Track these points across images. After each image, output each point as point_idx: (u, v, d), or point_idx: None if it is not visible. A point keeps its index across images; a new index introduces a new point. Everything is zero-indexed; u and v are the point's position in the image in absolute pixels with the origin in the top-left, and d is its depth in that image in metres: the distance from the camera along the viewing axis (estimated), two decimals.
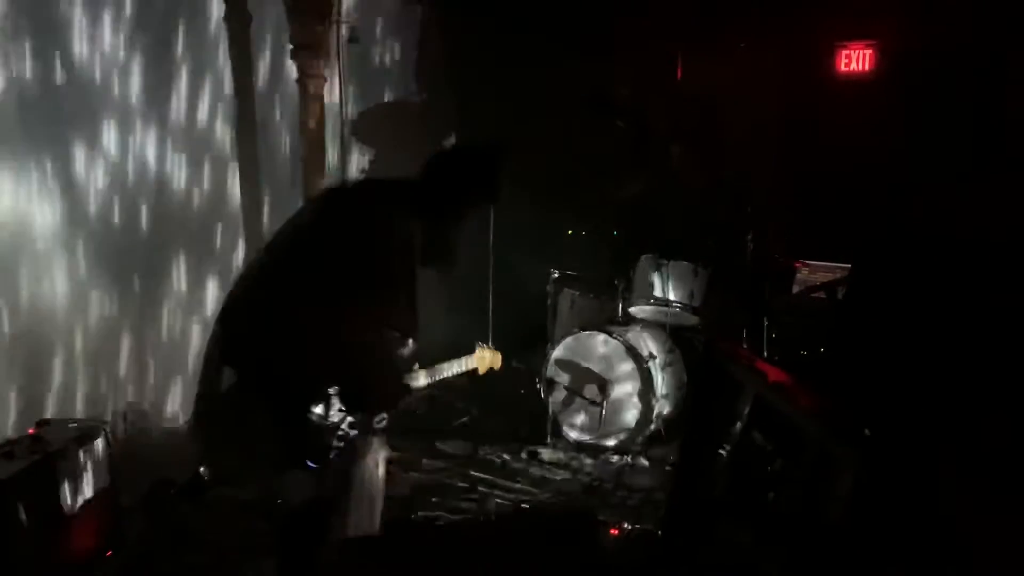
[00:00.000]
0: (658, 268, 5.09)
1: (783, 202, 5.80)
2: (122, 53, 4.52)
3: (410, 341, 2.77)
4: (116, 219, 4.53)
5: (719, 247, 5.20)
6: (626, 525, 3.92)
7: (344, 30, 5.72)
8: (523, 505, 4.22)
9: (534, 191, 5.19)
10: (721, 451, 2.42)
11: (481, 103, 6.17)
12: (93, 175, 4.42)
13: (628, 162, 5.73)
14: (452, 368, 3.27)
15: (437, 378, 3.16)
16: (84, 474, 3.31)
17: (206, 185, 5.07)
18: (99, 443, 3.42)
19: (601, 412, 4.86)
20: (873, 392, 4.36)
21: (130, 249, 4.65)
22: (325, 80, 5.46)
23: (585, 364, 4.90)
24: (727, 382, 2.48)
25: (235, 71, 5.15)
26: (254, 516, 4.01)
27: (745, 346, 4.84)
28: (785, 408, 2.11)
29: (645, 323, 5.22)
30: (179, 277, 4.97)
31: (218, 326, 2.84)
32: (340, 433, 2.68)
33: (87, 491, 3.31)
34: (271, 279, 2.74)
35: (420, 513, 4.09)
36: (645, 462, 4.79)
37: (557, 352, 4.99)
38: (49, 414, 3.86)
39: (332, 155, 5.76)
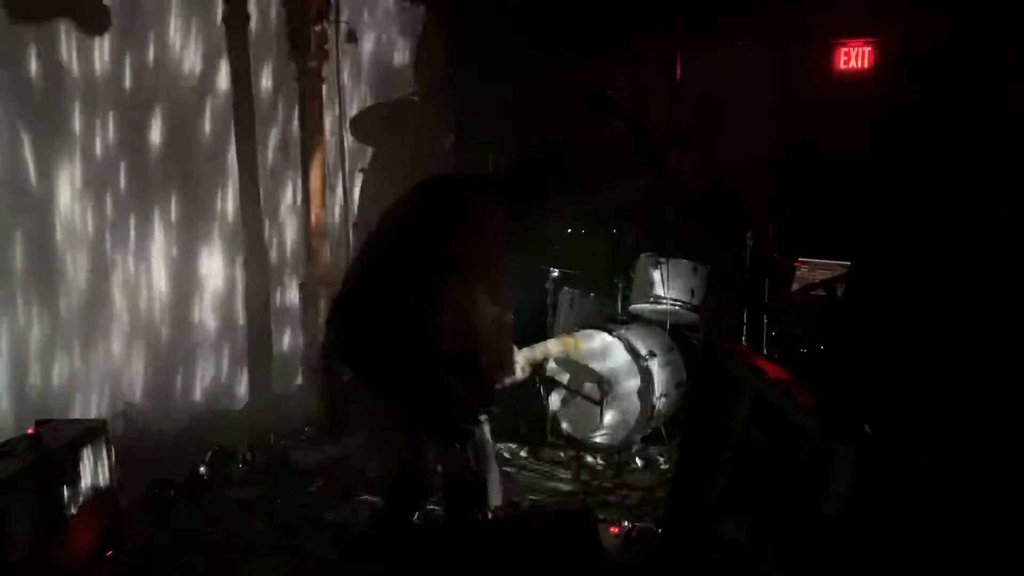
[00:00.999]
0: (657, 267, 5.09)
1: (782, 200, 5.79)
2: (118, 51, 4.53)
3: (510, 315, 2.94)
4: (110, 214, 4.54)
5: (718, 245, 5.19)
6: (626, 523, 3.91)
7: (343, 29, 5.72)
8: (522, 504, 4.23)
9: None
10: (721, 449, 2.42)
11: (480, 103, 6.17)
12: (90, 173, 4.43)
13: (627, 162, 5.73)
14: (546, 347, 3.59)
15: (537, 355, 3.44)
16: (83, 474, 3.31)
17: (204, 182, 5.07)
18: (98, 443, 3.42)
19: (601, 410, 4.85)
20: (871, 389, 4.38)
21: (129, 248, 4.66)
22: (324, 79, 5.46)
23: (584, 362, 4.89)
24: (726, 380, 2.49)
25: (234, 70, 5.15)
26: (253, 516, 4.03)
27: (744, 344, 4.84)
28: (784, 405, 2.11)
29: (645, 321, 5.22)
30: (175, 275, 4.98)
31: (338, 323, 2.99)
32: (469, 409, 2.89)
33: (86, 491, 3.31)
34: (378, 266, 2.95)
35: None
36: (644, 460, 4.79)
37: (551, 346, 4.97)
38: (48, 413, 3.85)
39: (331, 154, 5.76)
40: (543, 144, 3.35)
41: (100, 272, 4.50)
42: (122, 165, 4.59)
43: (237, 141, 5.22)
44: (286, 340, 5.67)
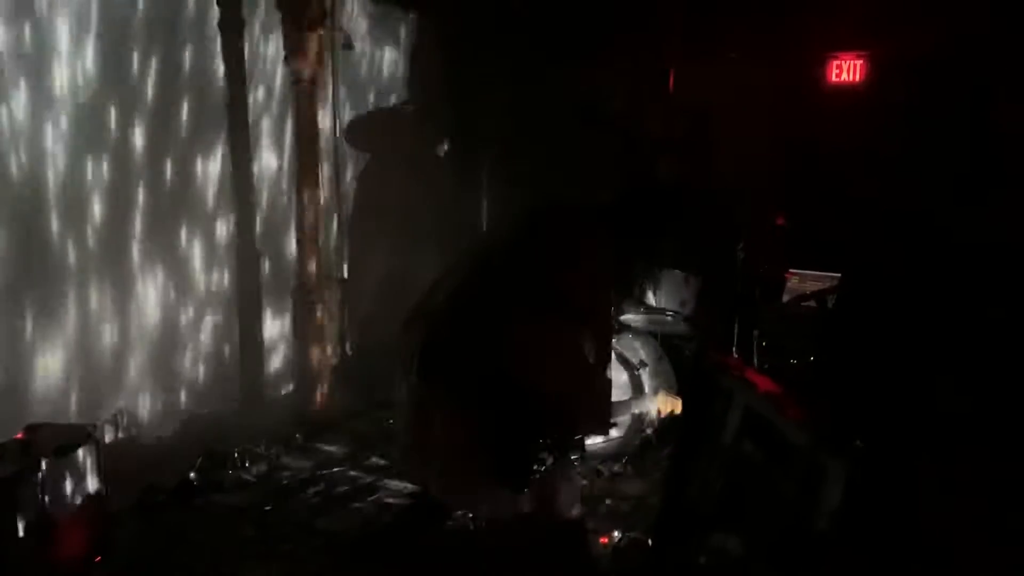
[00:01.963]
0: (649, 279, 5.10)
1: (773, 211, 5.83)
2: (114, 57, 4.53)
3: (611, 368, 2.85)
4: (99, 221, 4.54)
5: (709, 256, 5.21)
6: (616, 533, 3.92)
7: (338, 37, 5.73)
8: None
9: (527, 199, 5.20)
10: (712, 460, 2.43)
11: (474, 111, 6.19)
12: (80, 176, 4.43)
13: (620, 172, 5.75)
14: (644, 405, 3.69)
15: (635, 411, 3.27)
16: (73, 479, 3.30)
17: (196, 188, 5.07)
18: (88, 447, 3.41)
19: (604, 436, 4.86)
20: (862, 400, 4.40)
21: (123, 252, 4.66)
22: (319, 86, 5.46)
23: None
24: (717, 391, 2.50)
25: (228, 77, 5.15)
26: (244, 521, 4.02)
27: (736, 355, 4.85)
28: (775, 418, 2.12)
29: (636, 331, 5.23)
30: (168, 281, 4.97)
31: (412, 335, 2.84)
32: (543, 456, 2.70)
33: (76, 496, 3.30)
34: (482, 294, 2.78)
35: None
36: (635, 470, 4.80)
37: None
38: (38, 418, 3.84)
39: (325, 162, 5.76)
40: (652, 179, 3.23)
41: (91, 276, 4.49)
42: (113, 166, 4.58)
43: (230, 147, 5.21)
44: (278, 345, 5.66)
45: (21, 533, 2.95)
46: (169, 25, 4.80)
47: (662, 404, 3.74)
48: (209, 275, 5.18)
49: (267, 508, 4.18)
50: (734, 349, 5.08)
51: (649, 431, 4.91)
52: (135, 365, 4.74)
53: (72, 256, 4.39)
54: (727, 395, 2.42)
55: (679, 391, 5.07)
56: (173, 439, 4.81)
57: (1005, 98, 5.48)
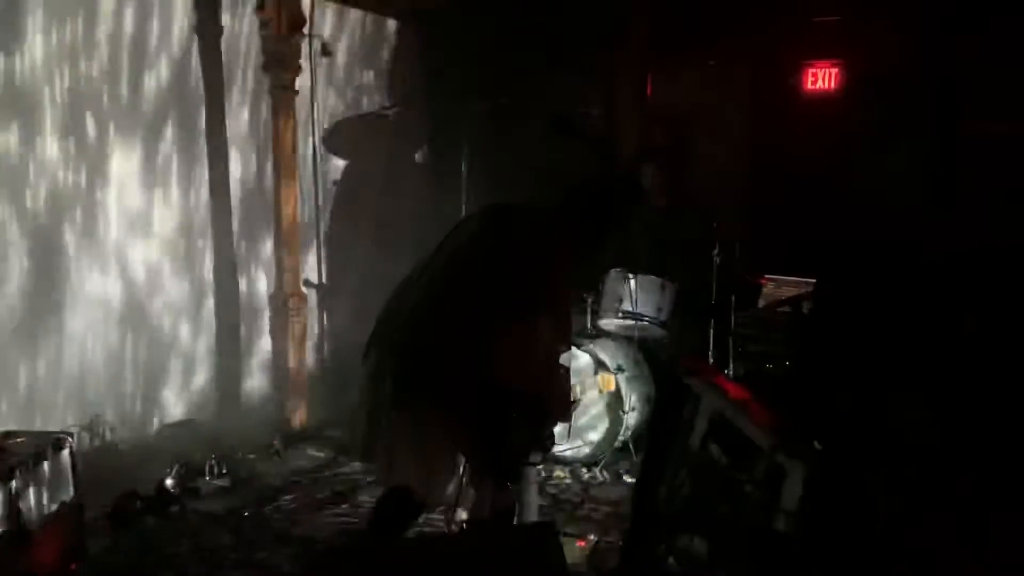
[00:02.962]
0: (626, 282, 5.15)
1: (749, 218, 5.88)
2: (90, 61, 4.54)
3: (569, 354, 2.89)
4: (78, 222, 4.53)
5: (686, 262, 5.26)
6: (592, 537, 3.95)
7: (316, 43, 5.75)
8: None
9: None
10: (680, 463, 2.47)
11: (453, 116, 6.22)
12: (55, 182, 4.43)
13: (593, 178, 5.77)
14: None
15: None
16: (48, 486, 3.29)
17: (173, 193, 5.07)
18: (64, 455, 3.40)
19: (569, 424, 4.88)
20: (834, 405, 4.45)
21: (99, 258, 4.65)
22: (297, 92, 5.48)
23: None
24: (688, 396, 2.54)
25: (206, 83, 5.16)
26: (220, 529, 4.02)
27: (705, 361, 4.90)
28: (741, 422, 2.16)
29: (613, 336, 5.27)
30: (145, 288, 4.96)
31: (382, 342, 2.90)
32: (522, 450, 2.81)
33: (50, 504, 3.29)
34: (444, 294, 2.84)
35: None
36: (611, 475, 4.83)
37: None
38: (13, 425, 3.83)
39: (304, 167, 5.78)
40: (602, 175, 3.28)
41: (67, 282, 4.48)
42: (91, 171, 4.58)
43: (208, 153, 5.21)
44: (255, 352, 5.66)
45: None
46: (146, 31, 4.81)
47: (603, 382, 4.05)
48: (186, 281, 5.18)
49: (244, 515, 4.18)
50: (710, 354, 5.13)
51: (625, 437, 4.96)
52: (112, 372, 4.73)
53: (48, 262, 4.38)
54: (696, 400, 2.47)
55: (656, 395, 5.13)
56: (150, 447, 4.80)
57: (973, 106, 5.57)
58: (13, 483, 3.08)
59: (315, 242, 5.99)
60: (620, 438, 4.95)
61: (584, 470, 4.88)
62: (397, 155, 6.60)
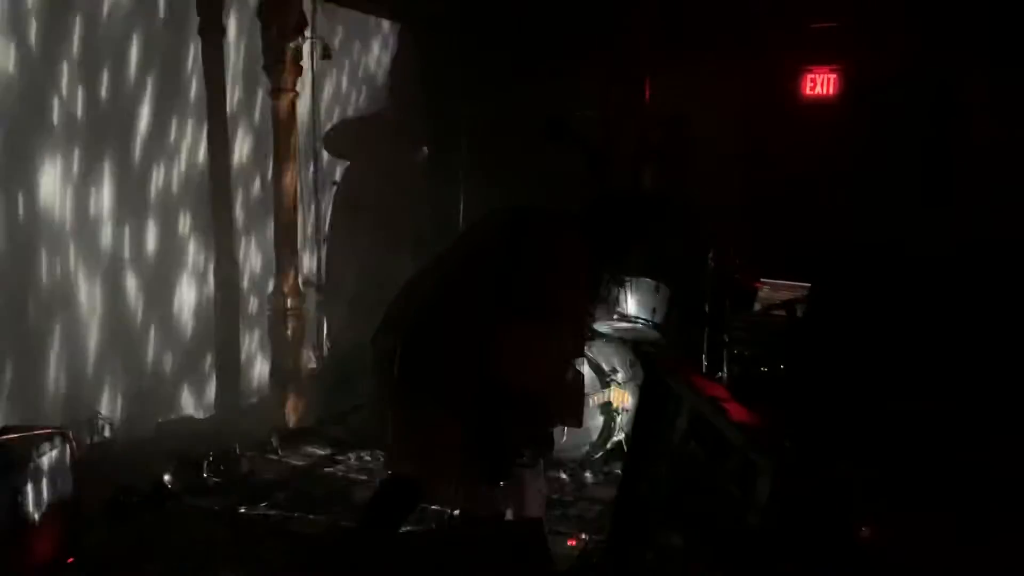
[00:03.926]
0: (620, 285, 5.18)
1: (745, 221, 5.92)
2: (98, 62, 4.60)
3: (579, 364, 2.92)
4: (80, 224, 4.59)
5: (680, 265, 5.30)
6: (583, 536, 4.00)
7: (317, 46, 5.81)
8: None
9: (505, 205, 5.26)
10: (661, 461, 2.52)
11: (451, 120, 6.27)
12: (64, 189, 4.48)
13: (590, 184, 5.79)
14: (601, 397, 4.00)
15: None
16: (47, 481, 3.34)
17: (175, 194, 5.13)
18: (62, 450, 3.45)
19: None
20: (829, 406, 4.49)
21: (100, 260, 4.71)
22: (297, 94, 5.53)
23: None
24: (668, 395, 2.58)
25: (208, 84, 5.22)
26: (217, 525, 4.07)
27: (691, 361, 4.93)
28: (716, 420, 2.21)
29: (608, 339, 5.31)
30: (146, 287, 5.02)
31: (389, 338, 2.89)
32: (521, 451, 2.84)
33: (49, 498, 3.33)
34: (456, 288, 2.85)
35: None
36: (605, 475, 4.87)
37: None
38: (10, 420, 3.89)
39: (304, 169, 5.83)
40: (625, 187, 3.26)
41: (68, 280, 4.54)
42: (96, 177, 4.64)
43: (209, 154, 5.28)
44: (254, 351, 5.72)
45: None
46: (148, 32, 4.87)
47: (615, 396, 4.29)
48: (186, 281, 5.23)
49: (240, 512, 4.23)
50: (704, 357, 5.17)
51: (618, 437, 5.00)
52: (111, 369, 4.79)
53: (51, 263, 4.44)
54: (677, 399, 2.51)
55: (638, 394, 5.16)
56: (148, 443, 4.86)
57: (969, 110, 5.60)
58: (12, 478, 3.13)
59: (314, 241, 6.05)
60: (614, 438, 5.00)
61: (578, 470, 4.91)
62: (397, 156, 6.65)
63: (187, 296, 5.25)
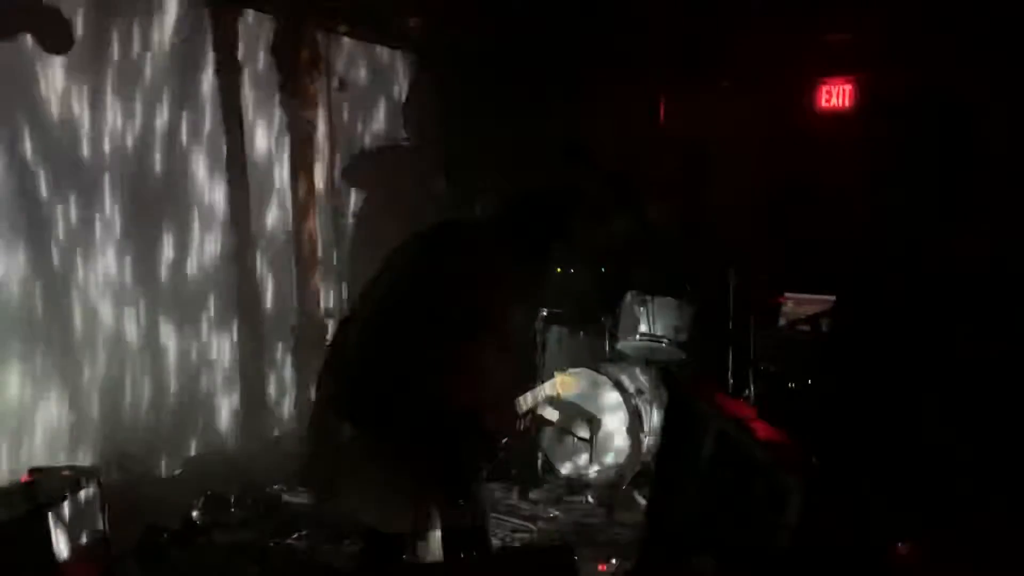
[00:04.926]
0: (643, 304, 5.17)
1: (767, 236, 5.88)
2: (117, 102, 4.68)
3: (513, 368, 2.95)
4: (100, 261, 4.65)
5: (703, 282, 5.28)
6: (614, 561, 3.96)
7: (333, 79, 5.87)
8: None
9: None
10: (689, 483, 2.49)
11: (467, 149, 6.30)
12: (79, 221, 4.54)
13: (608, 207, 5.79)
14: (542, 392, 3.89)
15: (534, 402, 3.68)
16: (77, 520, 3.36)
17: (195, 228, 5.18)
18: (91, 490, 3.47)
19: (591, 448, 4.91)
20: (858, 422, 4.43)
21: (125, 294, 4.76)
22: (315, 127, 5.59)
23: (574, 401, 4.95)
24: (694, 416, 2.56)
25: (225, 119, 5.28)
26: (246, 561, 4.06)
27: (715, 380, 4.89)
28: (742, 440, 2.19)
29: (632, 359, 5.29)
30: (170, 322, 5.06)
31: (331, 376, 2.89)
32: (474, 466, 2.85)
33: (79, 538, 3.36)
34: (388, 321, 2.80)
35: None
36: (635, 498, 4.83)
37: (546, 389, 5.04)
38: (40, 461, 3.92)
39: (323, 200, 5.88)
40: (539, 189, 3.23)
41: (92, 318, 4.59)
42: (114, 211, 4.70)
43: (229, 189, 5.33)
44: (280, 383, 5.74)
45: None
46: (168, 69, 4.94)
47: (560, 385, 4.09)
48: (208, 313, 5.27)
49: (270, 546, 4.23)
50: (729, 375, 5.13)
51: (647, 459, 4.96)
52: (138, 406, 4.82)
53: (72, 298, 4.49)
54: (702, 420, 2.49)
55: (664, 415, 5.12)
56: (176, 480, 4.88)
57: (990, 124, 5.55)
58: (44, 518, 3.15)
59: (335, 272, 6.08)
60: (641, 460, 4.96)
61: (607, 493, 4.87)
62: (413, 186, 6.68)
63: (211, 330, 5.29)
